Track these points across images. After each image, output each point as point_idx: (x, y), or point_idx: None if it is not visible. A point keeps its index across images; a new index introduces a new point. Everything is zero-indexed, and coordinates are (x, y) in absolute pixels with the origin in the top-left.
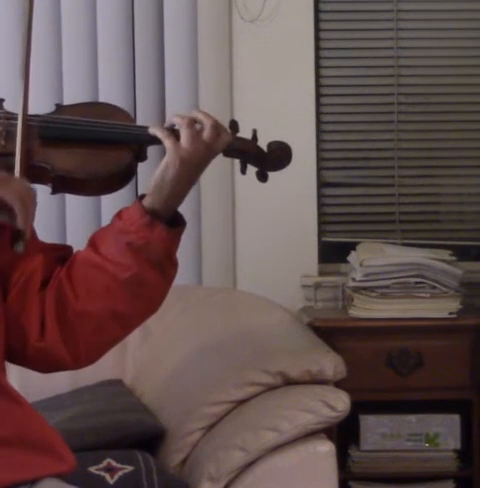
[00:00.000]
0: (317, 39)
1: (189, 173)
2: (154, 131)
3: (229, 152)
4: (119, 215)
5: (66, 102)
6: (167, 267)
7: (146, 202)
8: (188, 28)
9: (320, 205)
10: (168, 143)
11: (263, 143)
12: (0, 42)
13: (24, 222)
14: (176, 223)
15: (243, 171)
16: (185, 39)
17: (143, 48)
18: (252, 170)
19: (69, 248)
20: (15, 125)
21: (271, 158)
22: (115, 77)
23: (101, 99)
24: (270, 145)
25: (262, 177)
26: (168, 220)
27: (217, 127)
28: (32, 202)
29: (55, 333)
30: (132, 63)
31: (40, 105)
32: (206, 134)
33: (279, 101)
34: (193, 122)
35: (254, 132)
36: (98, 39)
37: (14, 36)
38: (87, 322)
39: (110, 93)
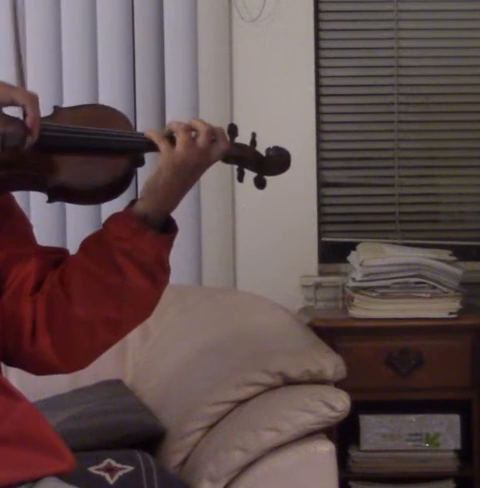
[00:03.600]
0: (317, 39)
1: (182, 179)
2: (149, 135)
3: (228, 158)
4: (110, 220)
5: (66, 103)
6: (158, 273)
7: (138, 207)
8: (188, 28)
9: (320, 205)
10: (162, 146)
11: (263, 143)
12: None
13: (33, 119)
14: (168, 229)
15: (240, 179)
16: (185, 39)
17: (143, 49)
18: (249, 177)
19: (65, 251)
20: None
21: (269, 163)
22: (115, 77)
23: (101, 99)
24: (268, 150)
25: (260, 183)
26: (160, 226)
27: (213, 134)
28: (38, 104)
29: (46, 337)
30: (132, 64)
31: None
32: (201, 140)
33: (279, 101)
34: (189, 128)
35: (253, 136)
36: (98, 41)
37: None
38: (78, 327)
39: (110, 94)
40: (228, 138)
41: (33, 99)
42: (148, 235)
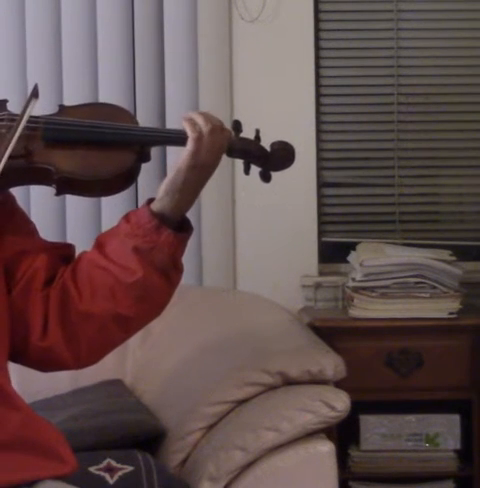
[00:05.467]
0: (317, 39)
1: (202, 178)
2: (186, 127)
3: (232, 153)
4: (127, 218)
5: (66, 102)
6: (172, 272)
7: (155, 206)
8: (188, 28)
9: (320, 205)
10: (193, 146)
11: (263, 143)
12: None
13: None
14: (183, 228)
15: (246, 171)
16: (185, 39)
17: (143, 48)
18: (254, 170)
19: (71, 247)
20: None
21: (274, 158)
22: (115, 77)
23: (101, 99)
24: (273, 145)
25: (265, 177)
26: (175, 225)
27: (219, 124)
28: None
29: (57, 333)
30: (132, 63)
31: (40, 105)
32: (213, 133)
33: (279, 101)
34: (213, 130)
35: (257, 132)
36: (98, 39)
37: (14, 36)
38: (90, 323)
39: (110, 93)
40: (233, 134)
41: None
42: (165, 234)
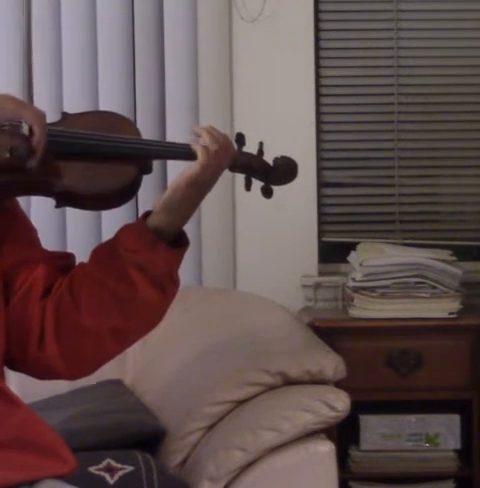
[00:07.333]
0: (317, 39)
1: (199, 194)
2: (198, 151)
3: (234, 168)
4: (123, 232)
5: (66, 104)
6: (168, 286)
7: (152, 221)
8: (188, 28)
9: (320, 205)
10: (199, 170)
11: (263, 143)
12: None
13: (39, 139)
14: (180, 242)
15: (248, 187)
16: (185, 39)
17: (143, 49)
18: (256, 186)
19: (72, 257)
20: None
21: (277, 173)
22: (115, 78)
23: (101, 100)
24: (276, 160)
25: (267, 193)
26: (172, 239)
27: (225, 144)
28: (45, 124)
29: (53, 344)
30: (132, 64)
31: (39, 107)
32: (222, 155)
33: (279, 101)
34: (218, 150)
35: (260, 145)
36: (98, 40)
37: (14, 37)
38: (85, 336)
39: (110, 93)
40: (236, 146)
41: (41, 119)
42: (161, 249)
